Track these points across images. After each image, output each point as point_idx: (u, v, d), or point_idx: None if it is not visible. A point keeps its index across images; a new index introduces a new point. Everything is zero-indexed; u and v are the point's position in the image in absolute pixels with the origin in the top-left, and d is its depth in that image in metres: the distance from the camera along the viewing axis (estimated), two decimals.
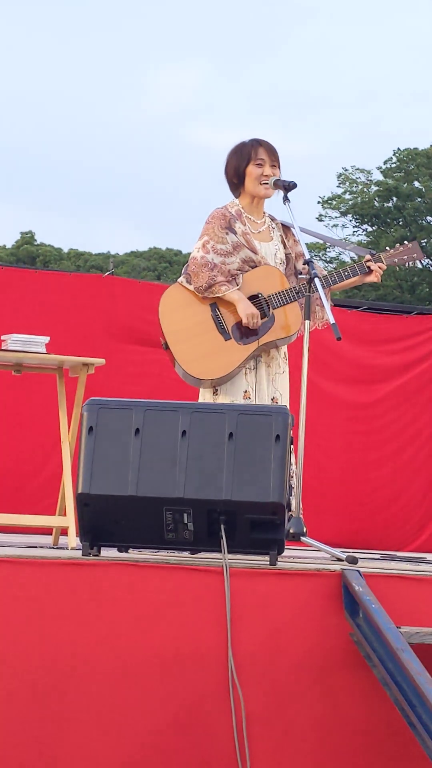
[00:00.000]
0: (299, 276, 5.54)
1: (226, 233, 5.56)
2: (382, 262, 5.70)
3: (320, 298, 5.37)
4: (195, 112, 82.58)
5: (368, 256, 5.70)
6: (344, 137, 76.81)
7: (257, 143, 5.62)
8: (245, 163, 5.61)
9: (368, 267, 5.67)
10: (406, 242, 5.84)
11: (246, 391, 5.50)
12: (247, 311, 5.45)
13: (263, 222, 5.69)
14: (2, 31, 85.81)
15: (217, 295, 5.48)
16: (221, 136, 74.13)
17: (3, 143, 75.60)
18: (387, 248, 5.86)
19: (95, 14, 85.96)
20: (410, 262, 5.78)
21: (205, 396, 5.55)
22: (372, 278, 5.69)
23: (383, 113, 77.99)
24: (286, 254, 5.69)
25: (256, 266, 5.56)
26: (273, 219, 5.74)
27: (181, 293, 5.56)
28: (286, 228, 5.73)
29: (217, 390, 5.51)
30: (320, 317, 5.66)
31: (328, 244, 38.42)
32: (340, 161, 77.74)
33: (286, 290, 5.53)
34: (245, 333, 5.49)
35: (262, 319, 5.50)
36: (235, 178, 5.65)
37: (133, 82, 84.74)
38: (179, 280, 5.58)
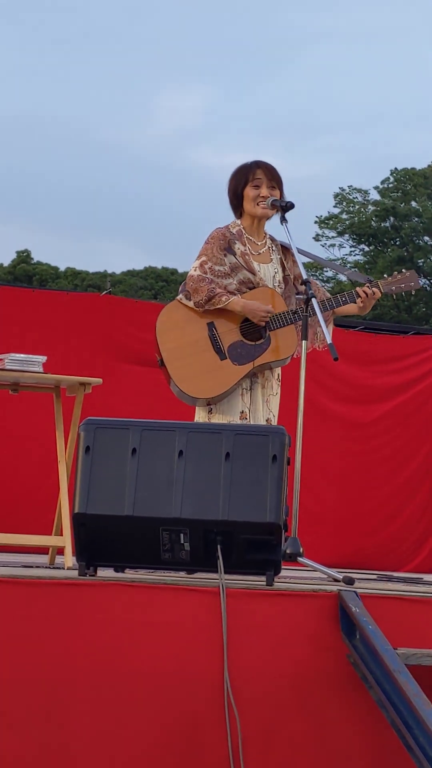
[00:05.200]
0: (297, 296, 5.55)
1: (225, 254, 5.56)
2: (380, 288, 5.70)
3: (319, 319, 5.35)
4: (197, 134, 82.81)
5: (367, 284, 5.69)
6: (343, 158, 77.07)
7: (256, 165, 5.63)
8: (243, 184, 5.62)
9: (357, 294, 5.63)
10: (404, 270, 5.83)
11: (243, 412, 5.49)
12: (257, 315, 5.46)
13: (264, 243, 5.68)
14: (5, 51, 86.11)
15: (218, 307, 5.47)
16: (222, 157, 74.37)
17: (0, 162, 75.80)
18: (385, 276, 5.86)
19: (99, 36, 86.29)
20: (407, 291, 5.78)
21: (200, 415, 5.55)
22: (361, 308, 5.68)
23: (382, 135, 78.30)
24: (284, 276, 5.69)
25: (254, 287, 5.56)
26: (273, 240, 5.74)
27: (179, 311, 5.56)
28: (285, 249, 5.72)
29: (212, 409, 5.51)
30: (321, 339, 5.67)
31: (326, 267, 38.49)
32: (339, 181, 78.00)
33: (284, 313, 5.53)
34: (241, 354, 5.49)
35: (258, 340, 5.50)
36: (235, 200, 5.67)
37: (136, 104, 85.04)
38: (178, 297, 5.59)
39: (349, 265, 43.90)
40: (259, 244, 5.67)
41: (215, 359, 5.49)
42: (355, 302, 5.64)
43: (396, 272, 5.82)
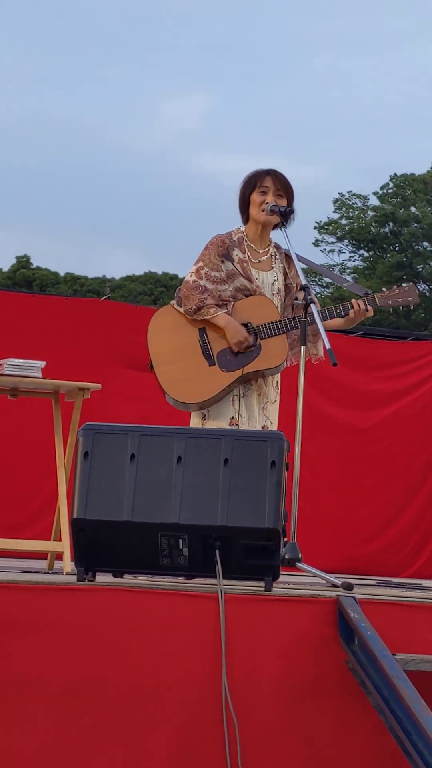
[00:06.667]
0: (296, 302, 5.54)
1: (222, 261, 5.56)
2: (376, 302, 5.69)
3: (318, 329, 5.30)
4: (198, 140, 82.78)
5: (364, 297, 5.68)
6: (343, 164, 77.12)
7: (266, 172, 5.61)
8: (251, 189, 5.62)
9: (351, 306, 5.62)
10: (403, 284, 5.80)
11: (233, 418, 5.48)
12: (234, 338, 5.45)
13: (266, 251, 5.67)
14: (5, 54, 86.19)
15: (205, 318, 5.48)
16: (223, 163, 74.38)
17: (0, 166, 75.81)
18: (384, 289, 5.85)
19: (101, 41, 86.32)
20: (405, 305, 5.75)
21: (194, 421, 5.55)
22: (350, 320, 5.66)
23: (382, 140, 78.38)
24: (286, 284, 5.68)
25: (250, 295, 5.56)
26: (278, 248, 5.73)
27: (171, 315, 5.57)
28: (289, 258, 5.71)
29: (205, 415, 5.52)
30: (313, 353, 5.66)
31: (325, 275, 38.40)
32: (338, 187, 78.07)
33: (277, 321, 5.52)
34: (230, 361, 5.49)
35: (249, 348, 5.50)
36: (242, 204, 5.67)
37: (137, 110, 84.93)
38: (171, 302, 5.60)
39: (348, 270, 43.93)
40: (261, 251, 5.66)
41: (203, 365, 5.49)
42: (349, 314, 5.62)
43: (395, 286, 5.78)
